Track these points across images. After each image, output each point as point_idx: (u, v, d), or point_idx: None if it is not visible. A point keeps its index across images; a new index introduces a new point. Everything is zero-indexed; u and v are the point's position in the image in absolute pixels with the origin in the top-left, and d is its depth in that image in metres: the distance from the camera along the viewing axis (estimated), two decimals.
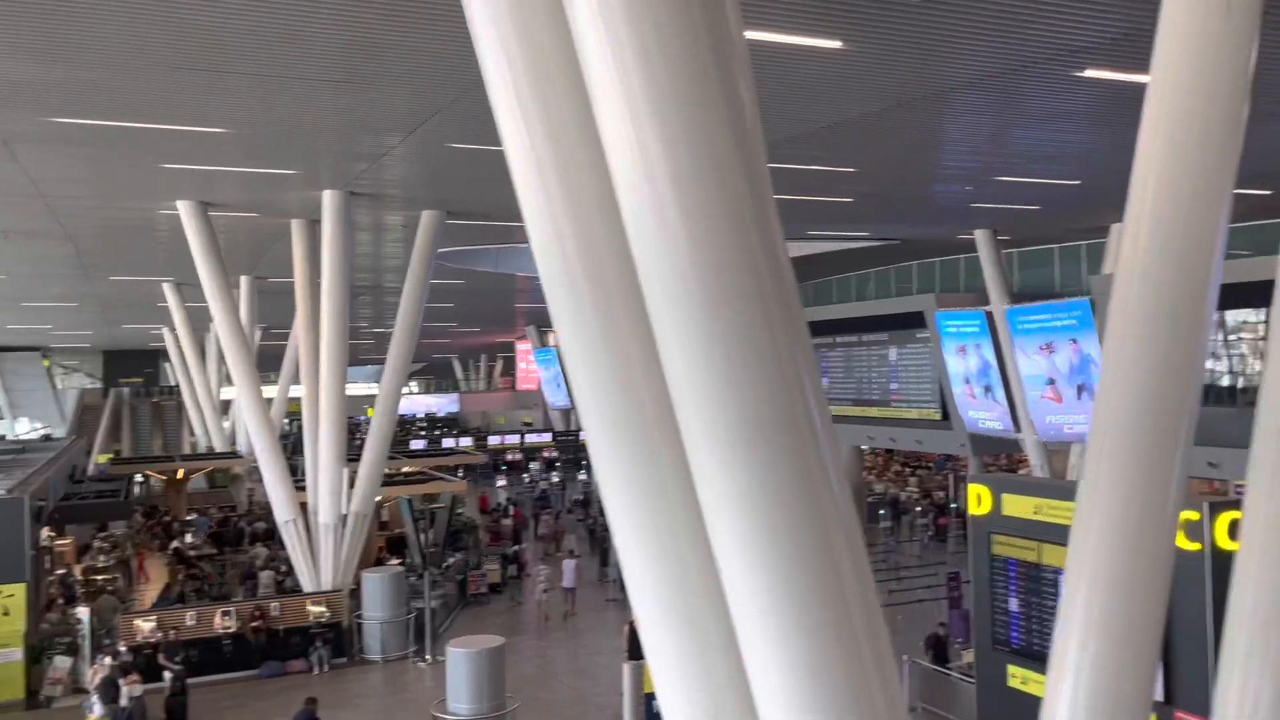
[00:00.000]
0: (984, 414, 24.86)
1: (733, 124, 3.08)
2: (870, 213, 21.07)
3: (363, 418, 49.30)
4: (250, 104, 11.55)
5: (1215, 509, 9.52)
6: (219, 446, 37.68)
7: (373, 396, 22.95)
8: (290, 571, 21.11)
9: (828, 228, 23.44)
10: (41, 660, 17.16)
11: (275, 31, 9.08)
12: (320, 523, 19.55)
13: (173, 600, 20.46)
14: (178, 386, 46.42)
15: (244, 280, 28.91)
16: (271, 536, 25.70)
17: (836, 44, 9.55)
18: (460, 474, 32.58)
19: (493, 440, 54.56)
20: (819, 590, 3.21)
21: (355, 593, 19.80)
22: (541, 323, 51.99)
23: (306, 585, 19.80)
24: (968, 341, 24.69)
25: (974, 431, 25.37)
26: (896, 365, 28.35)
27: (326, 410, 19.27)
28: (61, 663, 17.17)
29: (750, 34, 8.76)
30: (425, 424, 67.69)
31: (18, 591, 16.96)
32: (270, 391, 29.74)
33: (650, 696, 11.56)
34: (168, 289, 30.52)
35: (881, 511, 31.96)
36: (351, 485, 19.78)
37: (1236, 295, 13.41)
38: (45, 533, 22.83)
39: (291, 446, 35.01)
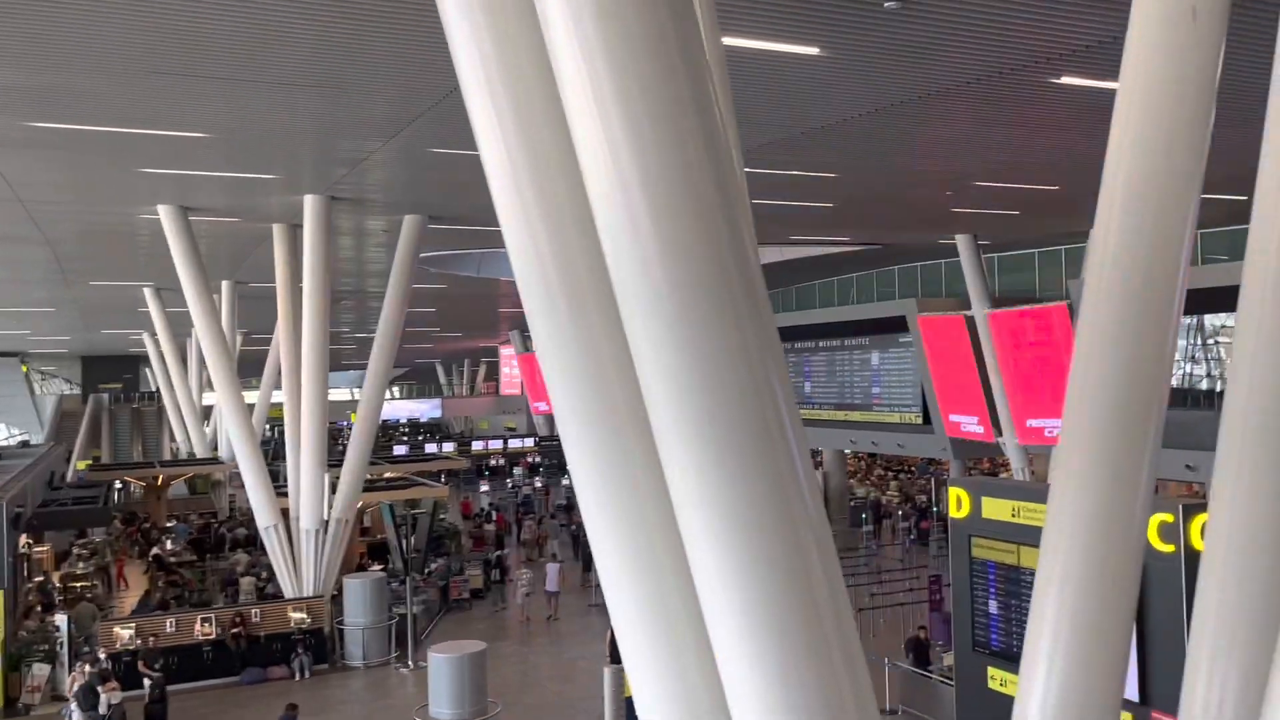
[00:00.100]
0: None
1: (704, 131, 3.11)
2: (852, 218, 21.18)
3: (345, 423, 49.18)
4: (229, 109, 11.53)
5: (1190, 511, 9.60)
6: (200, 452, 37.49)
7: (355, 402, 22.90)
8: (271, 578, 21.03)
9: (810, 233, 23.55)
10: (20, 668, 17.02)
11: (254, 36, 9.07)
12: (302, 529, 19.49)
13: (152, 607, 20.35)
14: (158, 392, 46.18)
15: (225, 285, 28.79)
16: (253, 543, 25.61)
17: (815, 51, 9.63)
18: (443, 479, 32.52)
19: (476, 445, 54.47)
20: (789, 593, 3.24)
21: (337, 599, 19.74)
22: (525, 328, 51.97)
23: (288, 591, 19.73)
24: None
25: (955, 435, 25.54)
26: (878, 369, 28.52)
27: (308, 416, 19.22)
28: (40, 670, 17.05)
29: (729, 41, 8.86)
30: (408, 429, 67.54)
31: None
32: (252, 397, 29.63)
33: (631, 700, 11.57)
34: (148, 294, 30.35)
35: (864, 515, 32.08)
36: (333, 491, 19.73)
37: (1214, 300, 13.58)
38: (23, 539, 22.68)
39: (273, 452, 34.86)
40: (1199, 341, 21.08)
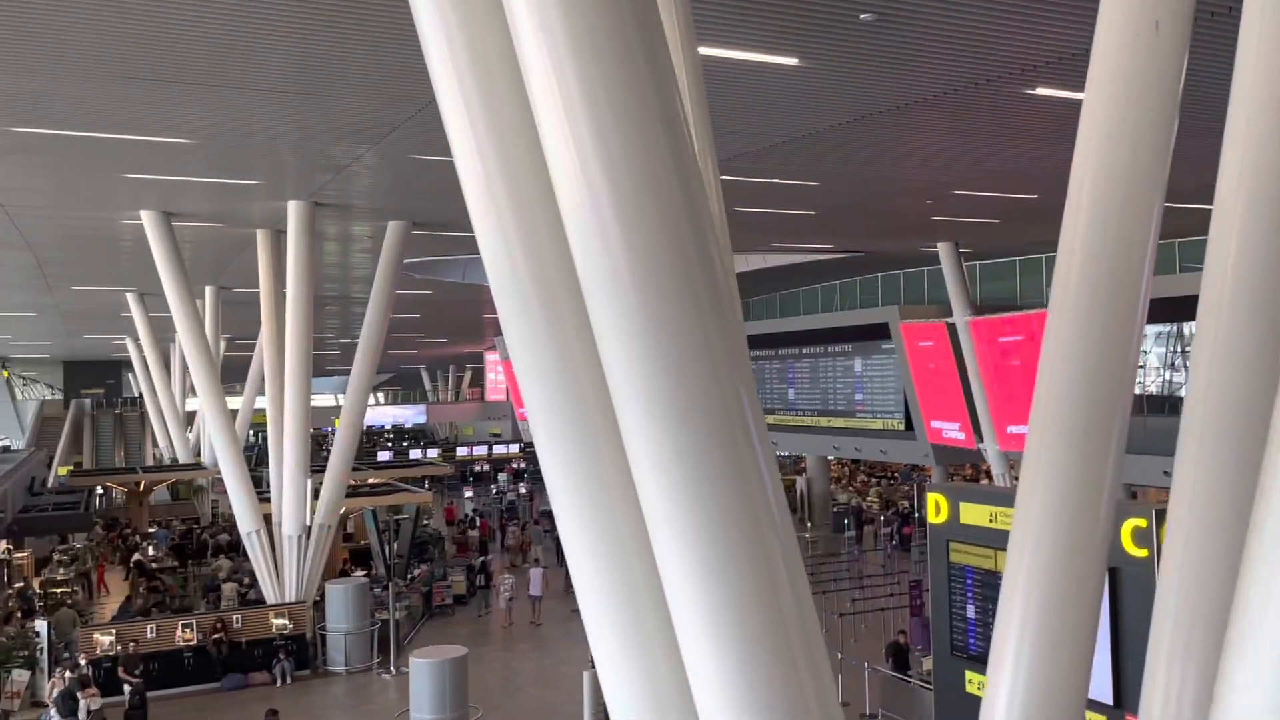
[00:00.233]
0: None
1: (671, 144, 3.20)
2: (833, 225, 21.31)
3: (329, 429, 49.06)
4: (211, 115, 11.55)
5: (1163, 516, 9.70)
6: (183, 458, 37.35)
7: (339, 407, 22.89)
8: (253, 583, 20.98)
9: (792, 240, 23.68)
10: None
11: (235, 42, 9.11)
12: (284, 534, 19.46)
13: (133, 613, 20.27)
14: (141, 397, 45.95)
15: (208, 290, 28.72)
16: (235, 548, 25.53)
17: (793, 61, 9.73)
18: (427, 485, 32.48)
19: (461, 451, 54.42)
20: (753, 594, 3.32)
21: (319, 604, 19.71)
22: None
23: (270, 597, 19.69)
24: None
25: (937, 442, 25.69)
26: (861, 376, 28.65)
27: (291, 421, 19.20)
28: (20, 676, 16.97)
29: (708, 51, 8.96)
30: (392, 435, 67.41)
31: None
32: (235, 403, 29.56)
33: None
34: (131, 299, 30.26)
35: (845, 521, 32.22)
36: (316, 497, 19.71)
37: (1192, 308, 13.73)
38: (3, 545, 22.57)
39: (256, 458, 34.76)
40: (1178, 349, 21.27)
